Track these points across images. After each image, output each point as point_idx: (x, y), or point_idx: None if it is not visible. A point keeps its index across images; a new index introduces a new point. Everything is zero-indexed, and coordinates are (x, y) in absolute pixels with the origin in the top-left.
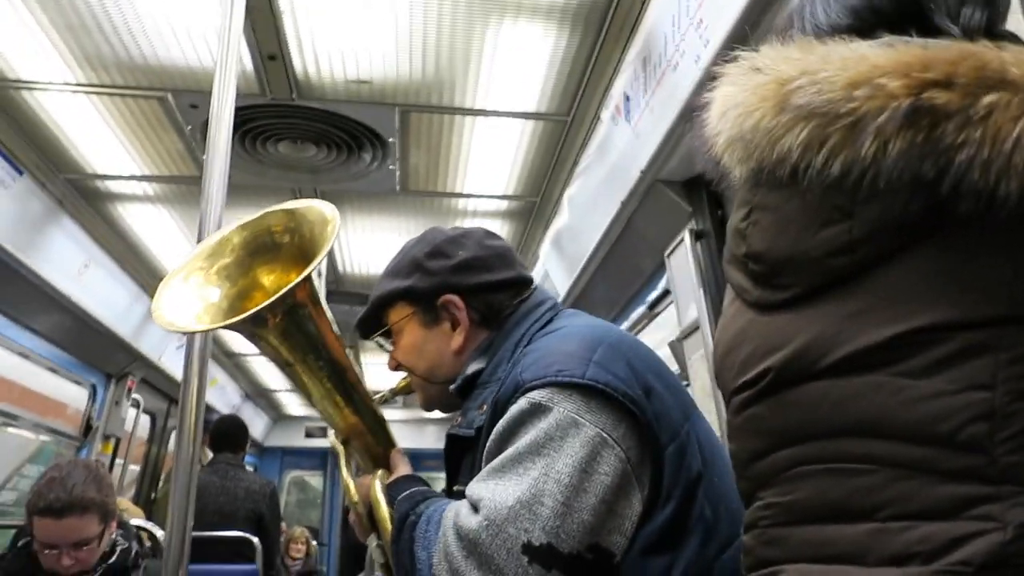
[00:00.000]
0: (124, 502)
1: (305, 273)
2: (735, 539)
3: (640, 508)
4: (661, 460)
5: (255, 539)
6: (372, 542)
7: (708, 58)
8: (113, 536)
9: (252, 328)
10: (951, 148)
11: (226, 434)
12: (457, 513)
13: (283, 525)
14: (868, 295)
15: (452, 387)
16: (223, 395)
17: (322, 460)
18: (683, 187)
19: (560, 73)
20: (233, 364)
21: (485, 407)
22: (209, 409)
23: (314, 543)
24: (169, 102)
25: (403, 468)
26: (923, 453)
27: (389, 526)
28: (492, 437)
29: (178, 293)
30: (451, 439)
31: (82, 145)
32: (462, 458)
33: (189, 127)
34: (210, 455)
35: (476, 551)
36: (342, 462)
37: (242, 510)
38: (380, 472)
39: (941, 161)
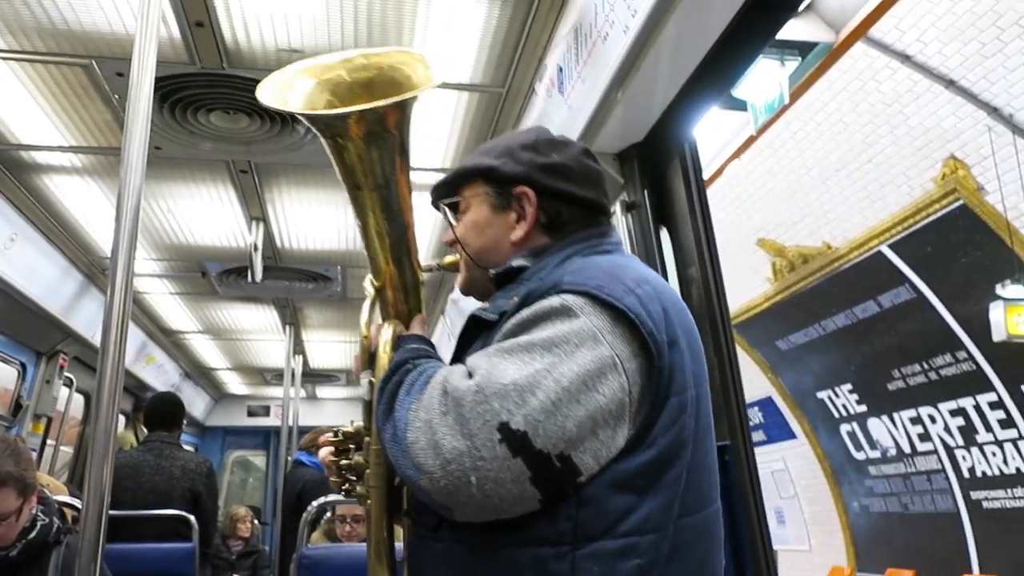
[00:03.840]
0: (46, 478)
1: (407, 95)
2: (697, 513)
3: (622, 444)
4: (661, 408)
5: (192, 517)
6: (365, 378)
7: (636, 28)
8: (33, 511)
9: (343, 129)
10: None
11: (160, 412)
12: (451, 373)
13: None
14: None
15: (493, 271)
16: (161, 373)
17: (265, 439)
18: (615, 159)
19: (494, 44)
20: (171, 343)
21: (516, 299)
22: (147, 388)
23: (256, 522)
24: (94, 70)
25: (419, 330)
26: None
27: (386, 367)
28: (512, 320)
29: (283, 82)
30: (472, 319)
31: (4, 114)
32: (475, 340)
33: (116, 96)
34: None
35: (456, 410)
36: (367, 303)
37: (178, 488)
38: (397, 323)
39: None
